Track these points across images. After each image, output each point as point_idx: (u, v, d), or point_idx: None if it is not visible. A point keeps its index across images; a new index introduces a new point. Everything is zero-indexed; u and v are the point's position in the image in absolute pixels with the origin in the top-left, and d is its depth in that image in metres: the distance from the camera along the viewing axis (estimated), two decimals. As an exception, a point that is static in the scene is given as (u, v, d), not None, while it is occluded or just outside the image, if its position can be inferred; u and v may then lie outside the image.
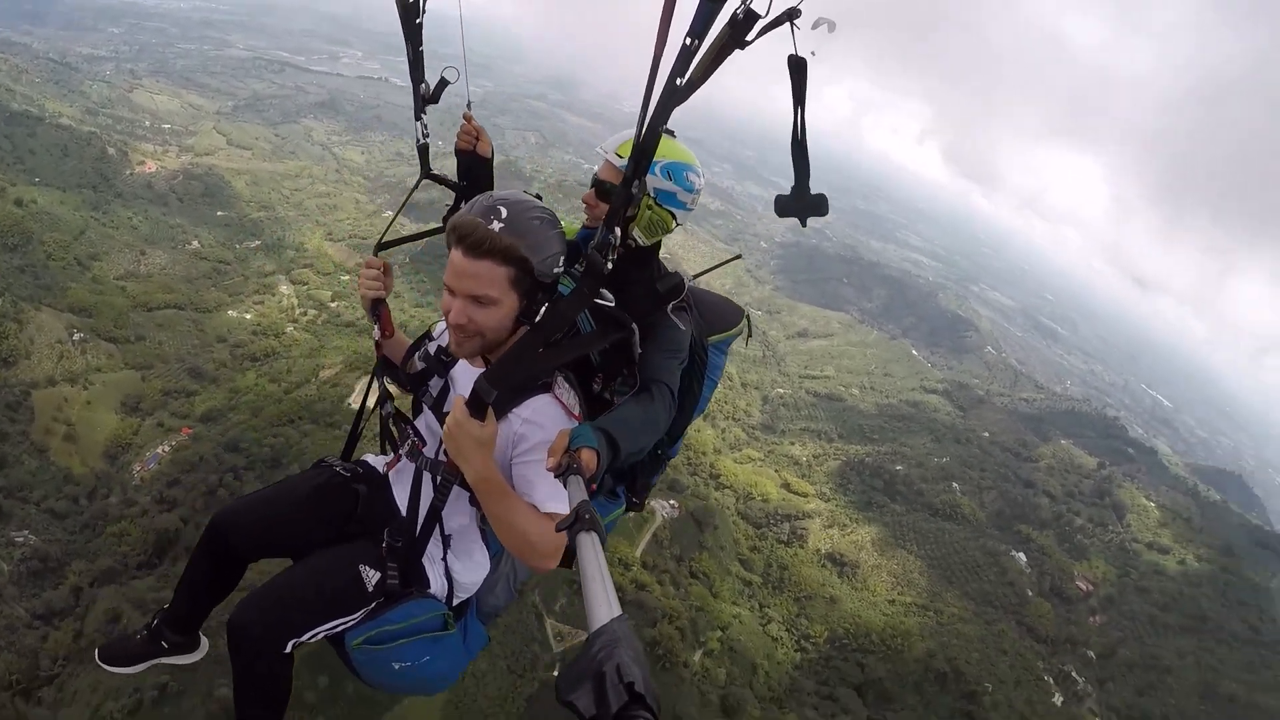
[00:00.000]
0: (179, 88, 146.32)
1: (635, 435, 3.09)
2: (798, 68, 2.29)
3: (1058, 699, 58.76)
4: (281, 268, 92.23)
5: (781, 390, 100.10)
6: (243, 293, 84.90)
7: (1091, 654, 65.74)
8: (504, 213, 2.90)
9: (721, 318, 4.13)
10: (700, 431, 78.15)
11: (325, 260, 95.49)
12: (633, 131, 3.49)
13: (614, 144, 3.70)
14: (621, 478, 3.98)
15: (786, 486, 77.48)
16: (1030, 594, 69.48)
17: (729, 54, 2.19)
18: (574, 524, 2.11)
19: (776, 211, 2.83)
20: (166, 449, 59.99)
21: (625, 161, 3.13)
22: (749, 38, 2.13)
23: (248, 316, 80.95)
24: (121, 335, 69.78)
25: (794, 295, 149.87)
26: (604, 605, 1.65)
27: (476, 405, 2.67)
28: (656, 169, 3.52)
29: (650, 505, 50.56)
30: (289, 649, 3.22)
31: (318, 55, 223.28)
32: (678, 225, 3.70)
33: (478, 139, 4.14)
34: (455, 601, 3.51)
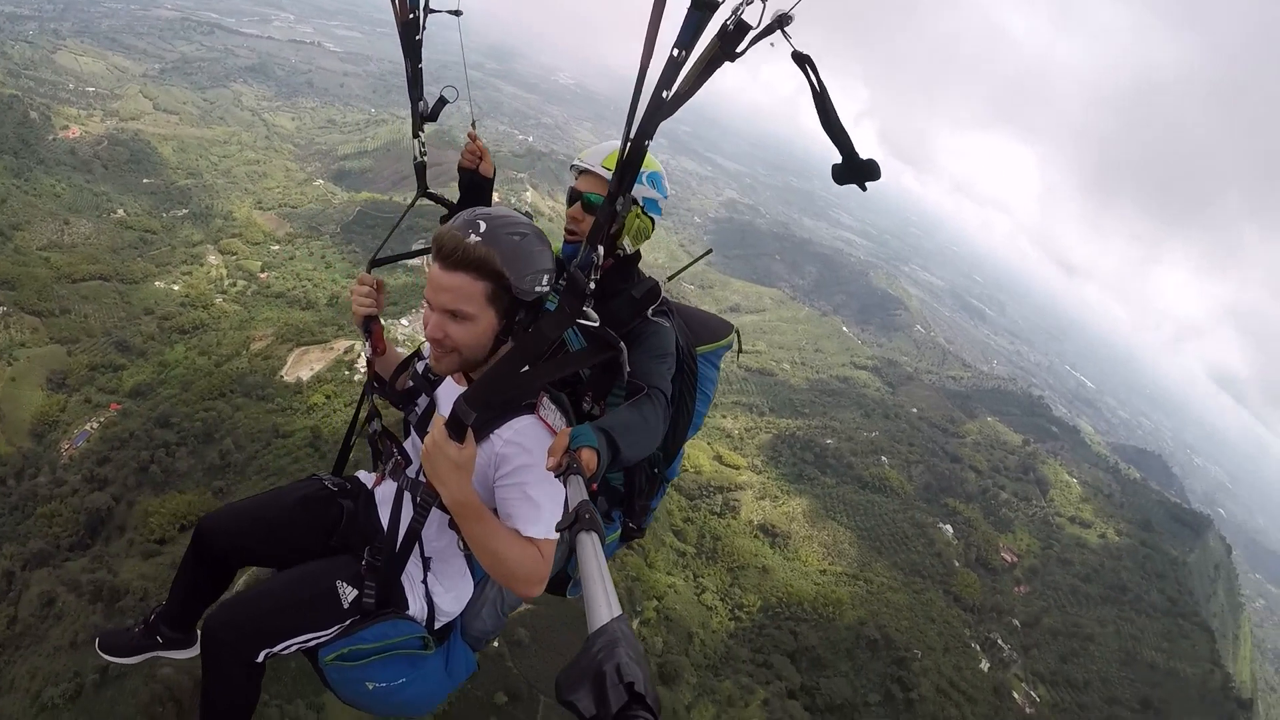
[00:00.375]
0: (104, 49, 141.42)
1: (633, 437, 3.03)
2: (806, 63, 2.21)
3: (984, 665, 60.73)
4: (209, 237, 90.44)
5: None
6: (170, 263, 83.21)
7: (1016, 622, 67.92)
8: (483, 226, 2.81)
9: (709, 329, 4.08)
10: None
11: (254, 229, 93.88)
12: (609, 144, 3.66)
13: (596, 157, 3.69)
14: (618, 501, 3.91)
15: (719, 459, 77.75)
16: (957, 564, 71.40)
17: (718, 66, 2.11)
18: (574, 524, 2.08)
19: (835, 180, 2.59)
20: (95, 426, 58.86)
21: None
22: (739, 49, 2.05)
23: (175, 288, 79.33)
24: (46, 308, 68.01)
25: (726, 270, 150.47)
26: (604, 605, 1.64)
27: (456, 427, 2.53)
28: (643, 178, 3.61)
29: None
30: (261, 658, 3.20)
31: (248, 17, 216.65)
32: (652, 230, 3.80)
33: (481, 159, 4.16)
34: (437, 625, 3.44)
